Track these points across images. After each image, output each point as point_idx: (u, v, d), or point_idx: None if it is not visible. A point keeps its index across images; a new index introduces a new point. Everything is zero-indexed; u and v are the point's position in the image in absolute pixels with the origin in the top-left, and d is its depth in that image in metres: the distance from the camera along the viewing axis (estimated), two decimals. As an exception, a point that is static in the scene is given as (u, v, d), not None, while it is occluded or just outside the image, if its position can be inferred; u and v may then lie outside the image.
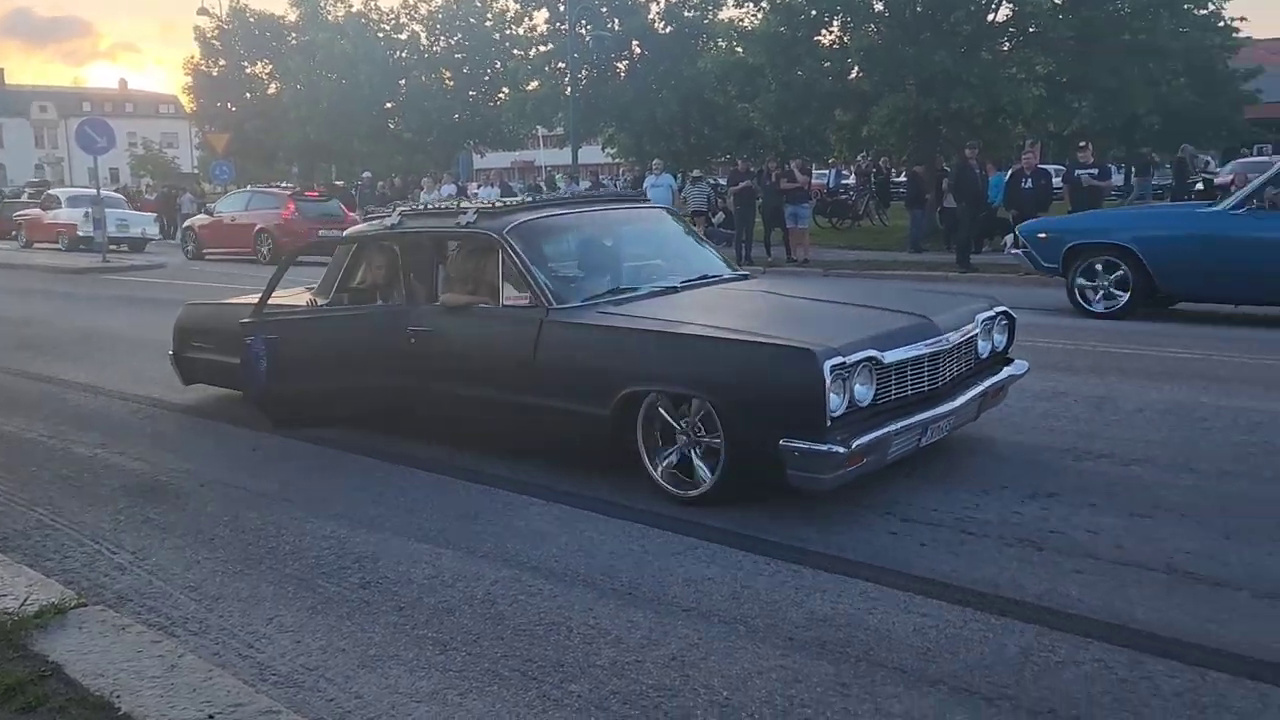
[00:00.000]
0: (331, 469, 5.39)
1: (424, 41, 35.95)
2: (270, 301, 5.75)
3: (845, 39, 21.30)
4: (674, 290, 5.33)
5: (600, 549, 4.08)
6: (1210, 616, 3.26)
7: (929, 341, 4.51)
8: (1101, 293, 9.85)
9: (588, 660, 3.16)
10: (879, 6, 20.51)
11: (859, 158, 27.64)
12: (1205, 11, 31.91)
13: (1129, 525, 4.08)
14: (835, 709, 2.82)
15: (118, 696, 2.88)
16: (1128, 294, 9.67)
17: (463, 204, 6.59)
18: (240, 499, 4.90)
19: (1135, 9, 20.07)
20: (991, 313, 5.16)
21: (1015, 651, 3.10)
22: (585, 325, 4.85)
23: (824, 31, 21.70)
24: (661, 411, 4.49)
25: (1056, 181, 16.80)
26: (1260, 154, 36.80)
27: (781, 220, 17.48)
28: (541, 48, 30.99)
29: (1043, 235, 10.48)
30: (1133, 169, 26.68)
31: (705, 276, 5.67)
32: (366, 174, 30.03)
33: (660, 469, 4.53)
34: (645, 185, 19.42)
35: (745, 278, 5.99)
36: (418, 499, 4.81)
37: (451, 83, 35.72)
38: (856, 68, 21.15)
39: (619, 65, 30.78)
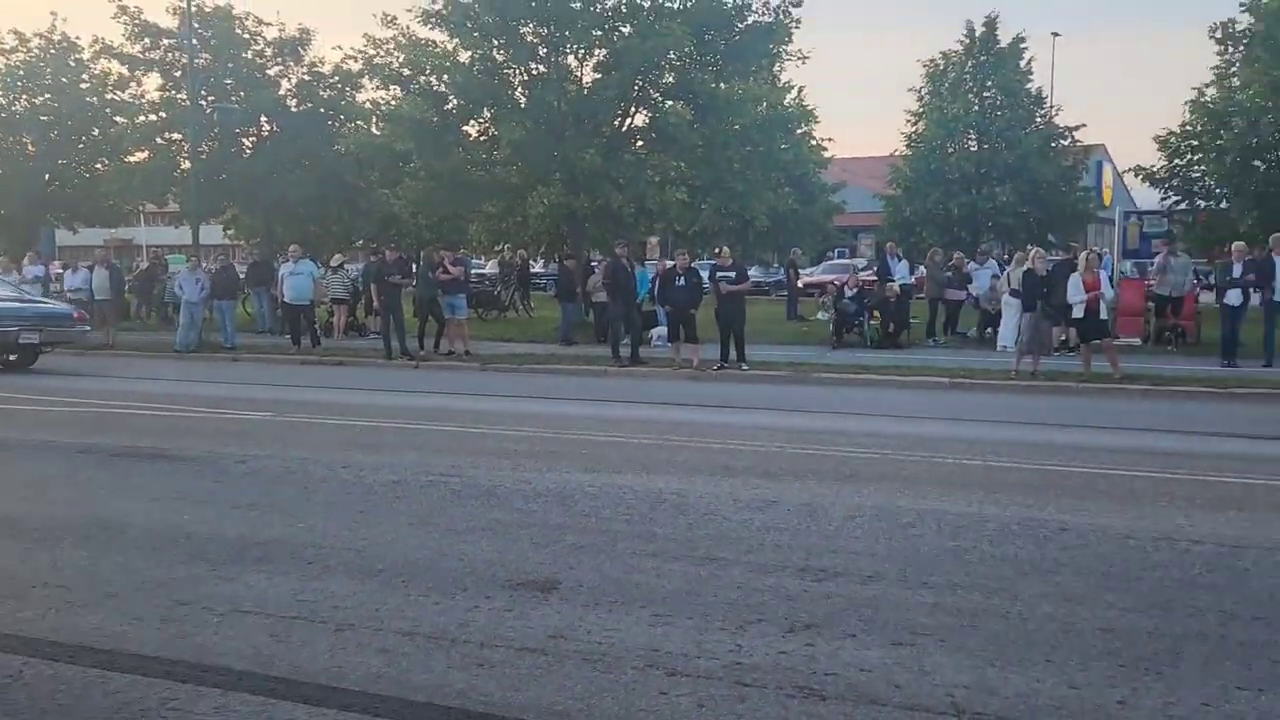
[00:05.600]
0: None
1: (0, 100, 31.02)
2: None
3: (493, 130, 21.32)
4: None
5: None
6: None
7: None
8: None
9: None
10: (524, 103, 20.78)
11: (495, 248, 27.66)
12: (802, 130, 37.06)
13: (896, 658, 3.87)
14: None
15: None
16: None
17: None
18: None
19: (754, 124, 22.18)
20: None
21: None
22: None
23: (473, 121, 21.66)
24: None
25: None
26: (840, 256, 42.52)
27: (436, 311, 16.89)
28: (151, 116, 27.91)
29: None
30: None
31: None
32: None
33: None
34: (283, 273, 17.98)
35: None
36: None
37: (34, 149, 31.05)
38: (505, 161, 21.20)
39: (245, 141, 28.63)
